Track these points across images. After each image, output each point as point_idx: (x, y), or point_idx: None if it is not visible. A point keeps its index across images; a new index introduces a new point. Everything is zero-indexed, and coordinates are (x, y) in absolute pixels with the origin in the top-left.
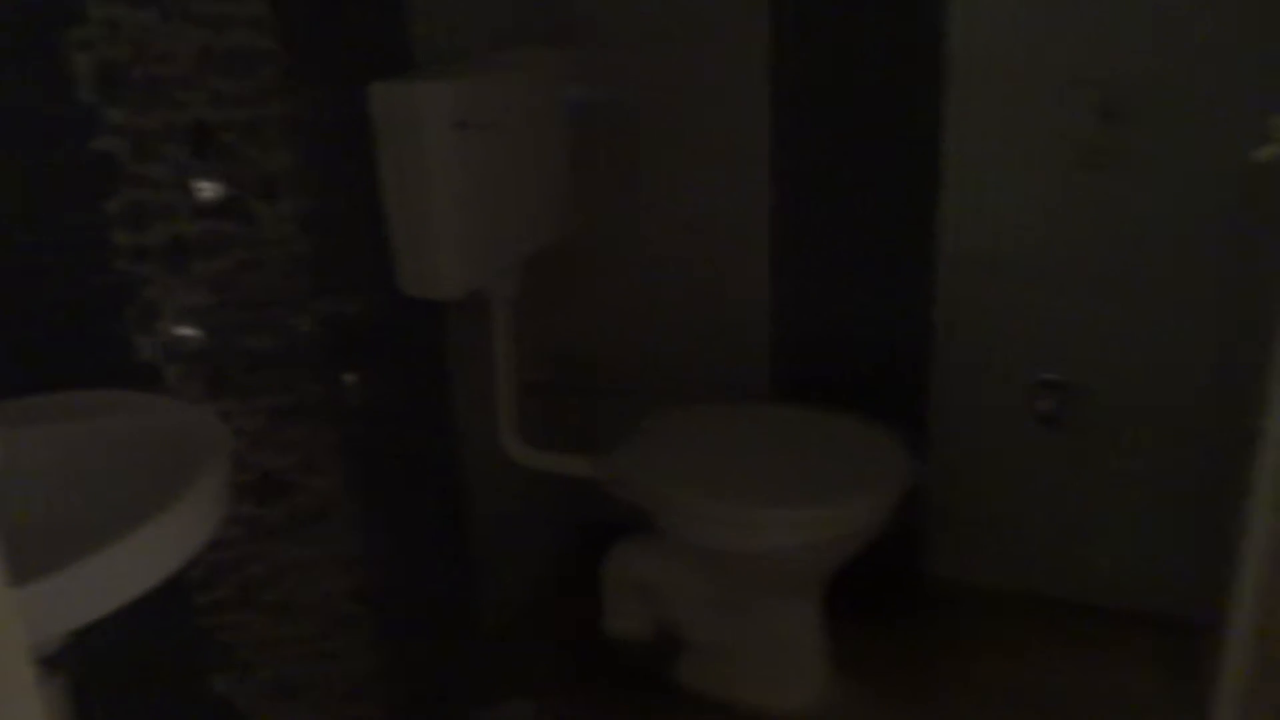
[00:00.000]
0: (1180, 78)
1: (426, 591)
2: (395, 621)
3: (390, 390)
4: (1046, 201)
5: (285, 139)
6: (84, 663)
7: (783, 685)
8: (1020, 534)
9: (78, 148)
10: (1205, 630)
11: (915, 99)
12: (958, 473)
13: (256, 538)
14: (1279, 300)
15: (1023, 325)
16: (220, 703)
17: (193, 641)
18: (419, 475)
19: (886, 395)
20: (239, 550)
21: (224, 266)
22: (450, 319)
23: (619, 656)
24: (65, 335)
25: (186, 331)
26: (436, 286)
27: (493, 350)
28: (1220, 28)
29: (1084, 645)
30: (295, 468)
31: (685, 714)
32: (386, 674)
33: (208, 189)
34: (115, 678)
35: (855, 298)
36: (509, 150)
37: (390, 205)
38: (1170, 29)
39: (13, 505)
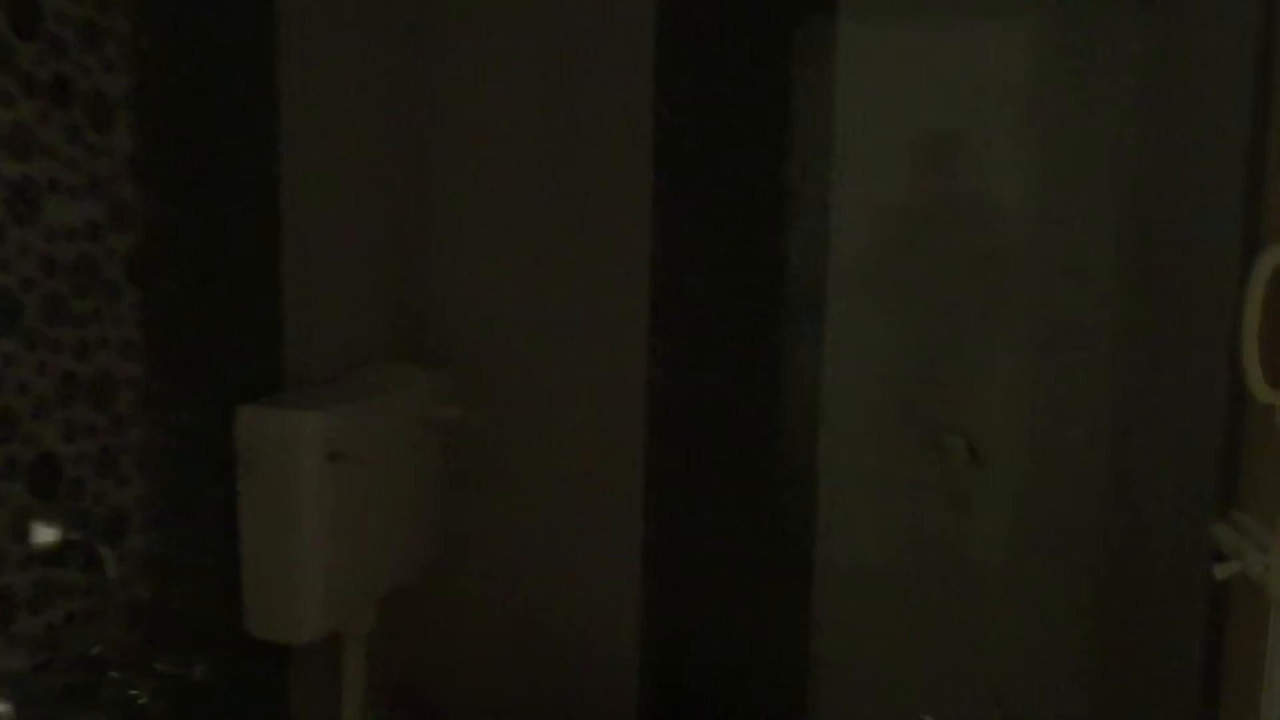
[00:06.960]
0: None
1: None
2: None
3: None
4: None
5: (140, 469)
6: None
7: None
8: None
9: None
10: None
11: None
12: None
13: None
14: None
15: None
16: None
17: None
18: None
19: None
20: None
21: (53, 620)
22: (295, 659)
23: None
24: None
25: None
26: (294, 630)
27: (344, 693)
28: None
29: None
30: None
31: None
32: None
33: (45, 533)
34: None
35: (731, 634)
36: (379, 481)
37: (247, 542)
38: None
39: None
